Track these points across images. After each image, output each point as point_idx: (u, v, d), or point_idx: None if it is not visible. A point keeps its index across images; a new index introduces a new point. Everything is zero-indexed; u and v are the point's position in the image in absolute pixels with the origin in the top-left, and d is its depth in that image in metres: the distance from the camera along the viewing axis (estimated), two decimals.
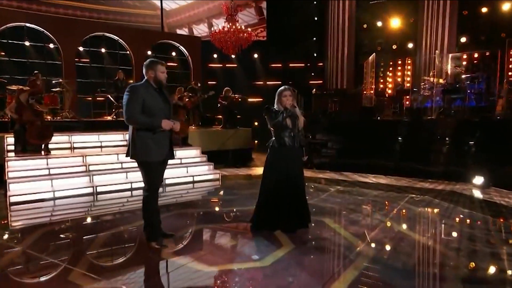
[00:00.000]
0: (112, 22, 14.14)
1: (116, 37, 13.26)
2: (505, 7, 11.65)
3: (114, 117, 10.27)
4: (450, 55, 11.82)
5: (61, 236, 4.28)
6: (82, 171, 6.40)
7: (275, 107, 4.26)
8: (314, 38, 16.59)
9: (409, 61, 13.15)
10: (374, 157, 8.59)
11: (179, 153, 7.77)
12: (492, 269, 3.32)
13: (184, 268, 3.23)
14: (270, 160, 4.28)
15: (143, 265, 3.42)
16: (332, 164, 9.12)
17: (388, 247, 3.82)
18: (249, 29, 12.21)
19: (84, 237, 4.22)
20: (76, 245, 4.00)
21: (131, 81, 12.92)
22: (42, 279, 3.10)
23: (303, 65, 16.79)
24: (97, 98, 10.83)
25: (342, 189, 6.77)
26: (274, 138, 4.28)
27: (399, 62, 13.64)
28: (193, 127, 11.05)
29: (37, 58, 11.98)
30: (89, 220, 5.10)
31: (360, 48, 14.63)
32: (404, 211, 5.27)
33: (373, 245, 3.84)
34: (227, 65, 16.62)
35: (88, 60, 13.33)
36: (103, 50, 13.59)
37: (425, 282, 3.12)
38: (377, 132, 9.19)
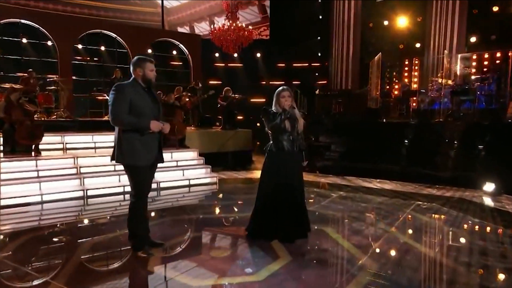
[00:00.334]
0: (109, 19, 14.00)
1: (114, 35, 13.10)
2: None
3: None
4: (459, 55, 11.56)
5: (42, 244, 4.08)
6: (72, 173, 6.23)
7: (273, 108, 4.05)
8: (319, 37, 16.40)
9: (416, 62, 12.90)
10: (379, 161, 8.40)
11: (175, 155, 7.63)
12: None
13: (172, 283, 3.03)
14: (268, 165, 4.08)
15: (127, 278, 3.22)
16: (336, 168, 8.90)
17: (392, 261, 3.59)
18: (250, 27, 12.00)
19: (66, 246, 4.02)
20: (57, 254, 3.80)
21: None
22: None
23: (307, 64, 16.59)
24: (97, 97, 10.64)
25: (344, 195, 6.55)
26: (271, 142, 4.07)
27: (406, 62, 13.39)
28: (193, 128, 10.91)
29: (32, 55, 11.83)
30: (74, 226, 4.89)
31: (365, 47, 14.39)
32: (410, 220, 5.04)
33: (376, 258, 3.61)
34: (231, 64, 16.46)
35: (88, 58, 13.20)
36: (102, 48, 13.45)
37: None
38: (383, 135, 8.98)
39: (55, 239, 4.27)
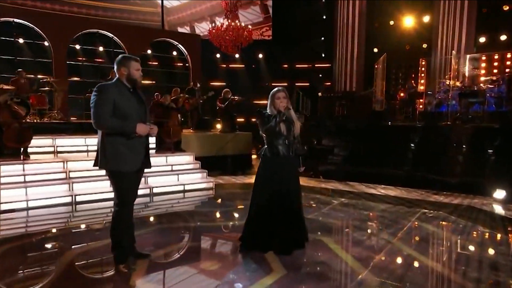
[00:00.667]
0: (106, 19, 13.91)
1: (110, 35, 12.99)
2: None
3: None
4: (468, 56, 11.34)
5: (19, 255, 3.90)
6: (61, 178, 6.06)
7: (268, 110, 3.85)
8: (322, 38, 16.24)
9: (423, 62, 12.67)
10: (384, 166, 8.21)
11: (170, 159, 7.47)
12: None
13: None
14: (262, 171, 3.89)
15: None
16: (338, 172, 8.71)
17: (395, 275, 3.36)
18: (250, 27, 11.84)
19: (46, 257, 3.84)
20: (34, 266, 3.61)
21: None
22: None
23: (310, 65, 16.43)
24: None
25: (346, 201, 6.34)
26: (266, 146, 3.87)
27: (412, 63, 13.17)
28: (191, 131, 10.76)
29: (27, 56, 11.73)
30: (57, 235, 4.69)
31: (370, 48, 14.20)
32: (415, 229, 4.82)
33: (378, 272, 3.39)
34: (235, 65, 16.33)
35: (84, 58, 13.09)
36: (101, 48, 13.35)
37: None
38: (388, 139, 8.81)
39: (33, 250, 4.08)
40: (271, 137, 3.81)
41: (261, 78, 16.04)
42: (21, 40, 11.83)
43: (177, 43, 14.50)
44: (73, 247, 4.09)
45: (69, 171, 6.18)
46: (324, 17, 15.92)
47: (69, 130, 8.53)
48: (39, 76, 10.04)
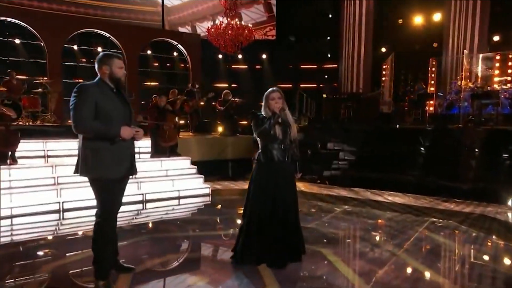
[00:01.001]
0: (102, 18, 13.88)
1: (107, 34, 12.94)
2: None
3: None
4: (481, 55, 11.07)
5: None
6: (49, 184, 5.93)
7: (262, 112, 3.68)
8: (328, 38, 16.09)
9: (433, 63, 12.43)
10: (391, 171, 7.98)
11: (165, 163, 7.34)
12: None
13: None
14: (256, 178, 3.72)
15: None
16: (343, 178, 8.52)
17: None
18: (250, 25, 11.70)
19: (20, 270, 3.68)
20: (7, 278, 3.45)
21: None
22: None
23: (315, 66, 16.29)
24: None
25: (349, 209, 6.13)
26: (260, 151, 3.70)
27: (422, 63, 12.94)
28: (190, 134, 10.64)
29: (20, 56, 11.70)
30: (39, 245, 4.53)
31: (378, 48, 14.01)
32: (422, 240, 4.59)
33: None
34: (241, 66, 16.25)
35: (84, 59, 13.09)
36: (99, 49, 13.31)
37: None
38: (396, 142, 8.60)
39: (9, 263, 3.92)
40: (265, 141, 3.65)
41: (265, 80, 15.88)
42: (14, 40, 11.79)
43: (176, 43, 14.41)
44: (51, 260, 3.95)
45: (58, 177, 6.05)
46: (330, 16, 15.77)
47: (62, 134, 8.43)
48: (37, 78, 9.96)
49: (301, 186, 8.04)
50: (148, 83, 14.76)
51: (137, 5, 15.38)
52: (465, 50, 11.30)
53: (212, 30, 10.87)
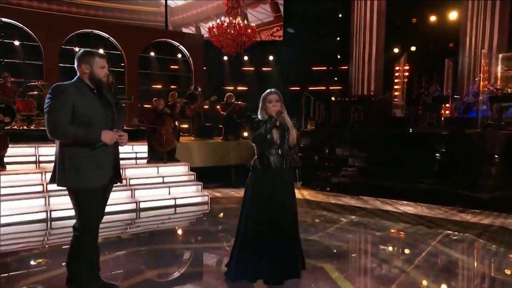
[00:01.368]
0: (101, 19, 13.89)
1: (106, 35, 12.94)
2: None
3: None
4: (500, 55, 10.77)
5: None
6: (38, 191, 5.81)
7: (258, 115, 3.51)
8: (338, 38, 15.89)
9: (449, 63, 12.17)
10: (404, 179, 7.78)
11: (162, 170, 7.21)
12: None
13: None
14: (251, 186, 3.54)
15: None
16: (352, 186, 8.30)
17: None
18: (253, 24, 11.57)
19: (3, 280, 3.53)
20: None
21: (122, 86, 12.59)
22: None
23: (325, 68, 16.10)
24: None
25: (357, 220, 5.89)
26: (256, 157, 3.52)
27: (437, 64, 12.68)
28: (192, 138, 10.52)
29: (16, 58, 11.73)
30: (20, 256, 4.37)
31: (390, 48, 13.77)
32: (435, 255, 4.33)
33: None
34: (248, 69, 16.19)
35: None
36: (101, 50, 13.31)
37: None
38: (409, 148, 8.38)
39: None
40: (262, 146, 3.47)
41: (272, 82, 15.74)
42: (10, 41, 11.84)
43: (178, 44, 14.36)
44: (30, 271, 3.79)
45: (47, 183, 5.93)
46: (340, 15, 15.58)
47: None
48: (32, 80, 9.94)
49: (306, 194, 7.84)
50: (150, 86, 14.69)
51: (140, 5, 15.38)
52: (483, 50, 11.03)
53: (214, 29, 10.75)
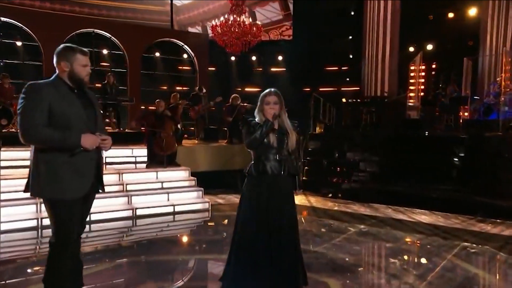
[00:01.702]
0: (102, 18, 13.89)
1: (107, 35, 12.93)
2: None
3: None
4: None
5: None
6: (26, 197, 5.69)
7: (256, 118, 3.33)
8: (350, 37, 15.67)
9: (468, 62, 11.87)
10: (418, 185, 7.61)
11: (161, 175, 7.10)
12: None
13: None
14: (247, 195, 3.36)
15: None
16: (363, 192, 8.10)
17: None
18: (259, 22, 11.42)
19: None
20: None
21: (125, 88, 12.54)
22: None
23: (336, 68, 15.90)
24: None
25: (366, 229, 5.67)
26: (252, 162, 3.35)
27: (455, 63, 12.42)
28: (196, 142, 10.42)
29: (16, 58, 11.78)
30: (11, 266, 4.27)
31: (405, 47, 13.52)
32: (450, 270, 4.08)
33: None
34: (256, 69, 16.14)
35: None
36: (105, 51, 13.35)
37: None
38: (424, 152, 8.19)
39: None
40: (258, 151, 3.29)
41: (280, 82, 15.60)
42: (9, 41, 11.87)
43: (182, 44, 14.29)
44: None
45: (24, 192, 5.82)
46: (352, 13, 15.36)
47: None
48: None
49: (313, 201, 7.64)
50: (155, 87, 14.64)
51: (145, 4, 15.38)
52: (505, 48, 10.74)
53: (218, 28, 10.62)
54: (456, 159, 7.83)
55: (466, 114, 10.73)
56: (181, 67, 15.41)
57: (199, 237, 5.89)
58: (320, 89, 14.26)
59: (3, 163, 6.23)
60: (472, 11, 12.45)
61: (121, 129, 9.97)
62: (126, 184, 6.44)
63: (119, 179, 6.56)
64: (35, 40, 11.59)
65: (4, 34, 11.62)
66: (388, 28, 13.29)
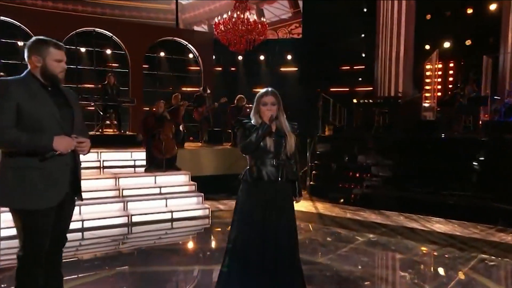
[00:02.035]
0: (103, 17, 13.94)
1: (109, 34, 12.94)
2: None
3: (100, 130, 9.66)
4: None
5: None
6: None
7: (251, 120, 3.18)
8: (363, 35, 15.47)
9: (488, 60, 11.62)
10: (434, 191, 7.42)
11: (160, 179, 6.97)
12: None
13: None
14: (241, 203, 3.21)
15: None
16: (374, 198, 7.95)
17: None
18: (264, 19, 11.29)
19: None
20: None
21: (126, 88, 12.51)
22: None
23: (348, 67, 15.71)
24: (86, 108, 10.34)
25: (375, 239, 5.47)
26: (247, 167, 3.20)
27: (474, 61, 12.19)
28: (200, 144, 10.33)
29: (15, 59, 11.83)
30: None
31: (421, 45, 13.28)
32: (466, 285, 3.88)
33: None
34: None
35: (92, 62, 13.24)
36: (108, 51, 13.37)
37: None
38: (440, 155, 8.03)
39: None
40: (255, 156, 3.14)
41: (288, 83, 15.48)
42: (6, 41, 11.91)
43: (186, 43, 14.24)
44: None
45: None
46: (365, 9, 15.16)
47: None
48: None
49: (320, 207, 7.46)
50: (159, 88, 14.63)
51: (150, 3, 15.41)
52: None
53: (221, 25, 10.51)
54: (475, 163, 7.62)
55: (486, 115, 10.48)
56: (188, 68, 15.39)
57: (199, 245, 5.76)
58: (332, 89, 14.11)
59: None
60: (493, 6, 12.19)
61: (122, 131, 9.93)
62: (122, 189, 6.34)
63: (115, 184, 6.47)
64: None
65: (4, 34, 11.69)
66: (403, 25, 13.08)
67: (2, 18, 11.36)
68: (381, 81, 13.38)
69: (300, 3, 16.14)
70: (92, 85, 12.57)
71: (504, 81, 11.27)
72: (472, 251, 4.92)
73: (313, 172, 9.23)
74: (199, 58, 14.37)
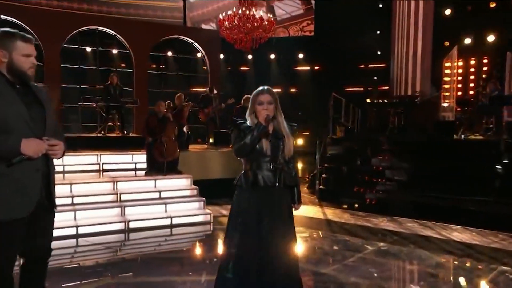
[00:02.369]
0: (106, 15, 14.03)
1: (112, 32, 13.00)
2: None
3: (102, 132, 9.66)
4: None
5: None
6: None
7: (247, 120, 3.06)
8: (378, 32, 15.27)
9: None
10: (451, 196, 7.19)
11: (160, 183, 6.89)
12: None
13: None
14: (236, 210, 3.08)
15: None
16: (387, 203, 7.76)
17: None
18: (270, 15, 11.17)
19: None
20: None
21: (130, 89, 12.53)
22: None
23: (363, 66, 15.54)
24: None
25: (385, 248, 5.27)
26: (242, 172, 3.08)
27: (497, 58, 12.08)
28: (205, 146, 10.27)
29: None
30: None
31: (439, 42, 13.05)
32: None
33: None
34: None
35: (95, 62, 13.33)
36: (114, 51, 13.45)
37: None
38: (459, 158, 7.88)
39: None
40: (251, 159, 3.02)
41: (300, 82, 15.37)
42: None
43: (192, 41, 14.22)
44: None
45: None
46: (381, 6, 14.98)
47: None
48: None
49: (329, 213, 7.28)
50: (164, 88, 14.65)
51: (156, 1, 15.47)
52: None
53: (225, 22, 10.42)
54: (498, 167, 7.38)
55: (509, 115, 10.22)
56: (196, 67, 15.38)
57: (199, 253, 5.65)
58: (347, 89, 13.97)
59: None
60: None
61: (125, 132, 9.90)
62: (120, 194, 6.26)
63: (113, 188, 6.40)
64: (36, 39, 11.76)
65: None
66: (420, 20, 12.87)
67: (3, 16, 11.48)
68: (398, 80, 13.17)
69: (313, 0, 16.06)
70: (93, 86, 12.65)
71: None
72: (492, 262, 4.70)
73: (323, 175, 9.08)
74: (206, 57, 14.35)
